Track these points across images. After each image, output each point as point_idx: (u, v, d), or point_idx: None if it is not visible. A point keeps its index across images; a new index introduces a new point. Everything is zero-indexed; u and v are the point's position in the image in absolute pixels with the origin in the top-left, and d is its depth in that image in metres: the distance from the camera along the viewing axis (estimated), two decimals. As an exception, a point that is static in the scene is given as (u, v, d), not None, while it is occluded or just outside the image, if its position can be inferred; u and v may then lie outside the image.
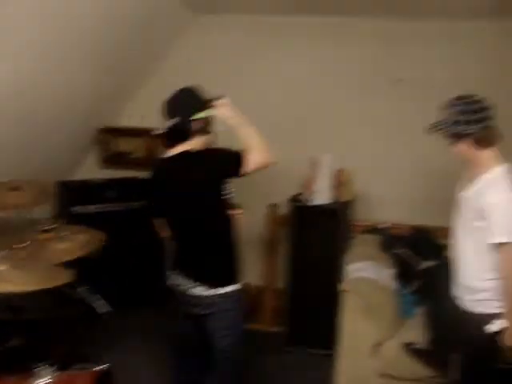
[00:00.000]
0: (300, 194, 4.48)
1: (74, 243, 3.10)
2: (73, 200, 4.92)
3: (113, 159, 5.65)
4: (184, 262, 3.12)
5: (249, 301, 5.30)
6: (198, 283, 3.00)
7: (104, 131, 5.58)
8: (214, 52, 5.36)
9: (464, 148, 2.82)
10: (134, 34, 4.60)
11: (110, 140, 5.63)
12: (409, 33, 4.92)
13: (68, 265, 2.83)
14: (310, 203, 4.31)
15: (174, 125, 3.02)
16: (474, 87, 2.93)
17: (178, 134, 3.05)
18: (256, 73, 5.27)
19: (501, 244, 2.69)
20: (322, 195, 4.28)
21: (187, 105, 3.07)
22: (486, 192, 2.75)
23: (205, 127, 3.08)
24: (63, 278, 2.50)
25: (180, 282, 3.11)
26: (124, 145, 5.69)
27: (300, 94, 5.22)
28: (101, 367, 2.68)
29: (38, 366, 2.51)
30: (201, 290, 2.99)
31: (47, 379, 2.51)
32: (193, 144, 3.03)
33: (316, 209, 4.30)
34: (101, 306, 3.10)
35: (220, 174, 2.96)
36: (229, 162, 2.97)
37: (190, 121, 3.00)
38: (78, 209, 4.88)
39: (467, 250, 2.91)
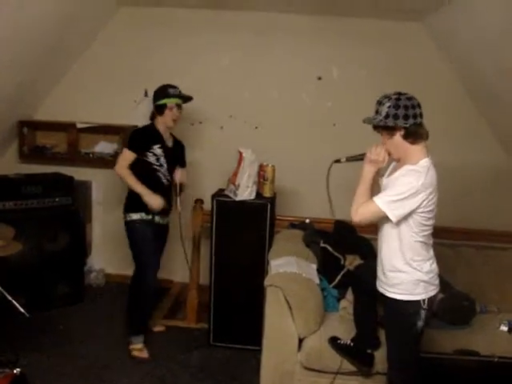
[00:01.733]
0: (224, 189, 4.46)
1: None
2: (-11, 196, 4.71)
3: (33, 154, 5.46)
4: None
5: (173, 297, 5.28)
6: None
7: (24, 124, 5.39)
8: (135, 44, 5.30)
9: (399, 141, 2.90)
10: (56, 25, 4.48)
11: (31, 134, 5.45)
12: (334, 31, 5.02)
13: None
14: (234, 198, 4.29)
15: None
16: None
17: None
18: (179, 65, 5.24)
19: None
20: (245, 190, 4.27)
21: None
22: (401, 177, 2.89)
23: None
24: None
25: None
26: (44, 139, 5.52)
27: (223, 88, 5.23)
28: (14, 371, 2.58)
29: None
30: None
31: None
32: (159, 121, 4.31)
33: (240, 204, 4.29)
34: (17, 306, 2.98)
35: None
36: None
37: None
38: (-4, 205, 4.68)
39: (386, 235, 3.03)
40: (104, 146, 5.39)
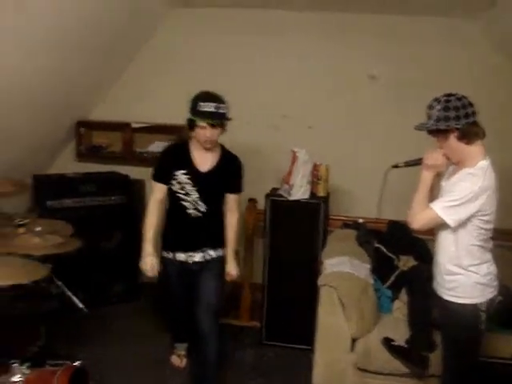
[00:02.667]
0: (278, 188, 4.47)
1: (49, 238, 3.07)
2: (48, 194, 4.84)
3: (89, 153, 5.58)
4: None
5: (226, 296, 5.30)
6: None
7: (80, 125, 5.52)
8: (189, 45, 5.34)
9: (454, 143, 2.85)
10: (110, 29, 4.55)
11: (87, 133, 5.57)
12: (395, 30, 4.96)
13: (43, 260, 2.80)
14: (287, 198, 4.30)
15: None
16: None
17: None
18: (232, 67, 5.25)
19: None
20: (299, 190, 4.28)
21: None
22: (459, 182, 2.83)
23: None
24: (39, 272, 2.46)
25: None
26: (100, 138, 5.63)
27: (279, 88, 5.22)
28: (75, 364, 2.64)
29: (13, 363, 2.48)
30: None
31: (21, 376, 2.48)
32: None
33: (294, 204, 4.30)
34: (76, 302, 3.06)
35: None
36: None
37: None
38: (53, 203, 4.80)
39: (443, 239, 2.98)
40: (158, 146, 5.45)
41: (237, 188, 3.75)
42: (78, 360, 2.69)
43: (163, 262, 3.71)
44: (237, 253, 3.80)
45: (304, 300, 4.28)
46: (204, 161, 3.59)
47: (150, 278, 5.47)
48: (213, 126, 3.41)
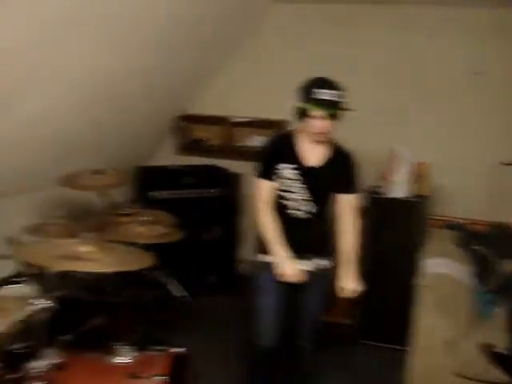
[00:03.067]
0: (378, 185, 4.42)
1: (153, 228, 3.17)
2: (150, 185, 5.01)
3: (189, 146, 5.72)
4: None
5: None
6: None
7: (181, 118, 5.66)
8: (291, 40, 5.35)
9: None
10: (213, 22, 4.62)
11: (187, 127, 5.71)
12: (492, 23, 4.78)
13: (146, 248, 2.89)
14: (387, 195, 4.24)
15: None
16: None
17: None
18: (333, 61, 5.22)
19: None
20: (400, 188, 4.21)
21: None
22: None
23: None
24: (144, 261, 2.55)
25: None
26: (200, 132, 5.76)
27: (378, 83, 5.15)
28: (178, 350, 2.72)
29: (119, 346, 2.58)
30: None
31: (126, 358, 2.58)
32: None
33: (394, 201, 4.23)
34: (178, 290, 3.14)
35: None
36: None
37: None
38: (155, 194, 4.96)
39: None
40: (257, 140, 5.52)
41: (351, 188, 3.26)
42: (180, 347, 2.76)
43: (257, 268, 3.30)
44: (354, 264, 3.28)
45: (401, 300, 4.21)
46: (313, 155, 3.13)
47: (246, 270, 5.60)
48: (329, 116, 2.96)
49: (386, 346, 4.38)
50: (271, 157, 3.14)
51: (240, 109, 5.49)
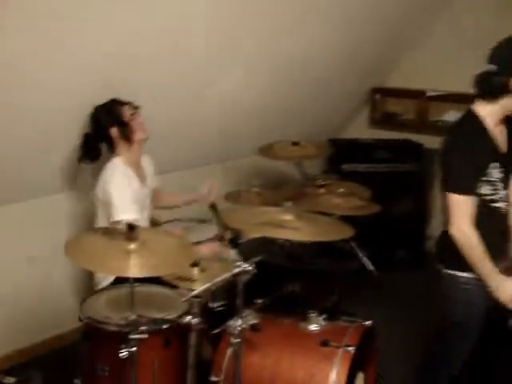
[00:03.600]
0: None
1: (349, 200, 3.20)
2: (343, 158, 5.05)
3: (383, 120, 5.65)
4: None
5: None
6: None
7: (375, 91, 5.61)
8: (494, 6, 5.02)
9: None
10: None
11: (381, 100, 5.64)
12: None
13: (342, 220, 2.92)
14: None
15: (487, 73, 2.53)
16: None
17: (485, 86, 2.55)
18: None
19: None
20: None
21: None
22: None
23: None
24: (342, 232, 2.58)
25: None
26: (394, 106, 5.66)
27: None
28: (366, 323, 2.74)
29: (311, 313, 2.66)
30: None
31: (318, 326, 2.65)
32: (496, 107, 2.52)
33: None
34: (367, 264, 3.15)
35: None
36: None
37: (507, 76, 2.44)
38: (347, 167, 4.99)
39: None
40: (453, 115, 5.31)
41: None
42: (369, 320, 2.78)
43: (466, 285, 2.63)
44: None
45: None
46: (502, 139, 2.61)
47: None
48: None
49: None
50: (476, 157, 2.50)
51: (436, 82, 5.31)
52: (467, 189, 2.47)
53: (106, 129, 3.11)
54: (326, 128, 5.46)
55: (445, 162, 2.61)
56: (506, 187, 2.57)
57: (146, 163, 3.36)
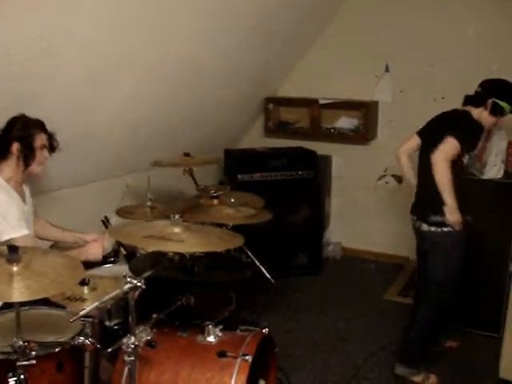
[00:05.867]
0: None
1: (241, 209, 3.21)
2: (238, 168, 5.07)
3: (277, 129, 5.73)
4: None
5: (408, 274, 5.22)
6: None
7: (269, 101, 5.68)
8: (376, 18, 5.27)
9: None
10: (295, 10, 4.64)
11: (274, 109, 5.72)
12: None
13: (234, 230, 2.93)
14: (480, 177, 4.10)
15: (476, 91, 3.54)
16: None
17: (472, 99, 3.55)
18: (420, 37, 5.08)
19: None
20: (492, 169, 4.06)
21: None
22: None
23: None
24: (233, 242, 2.59)
25: None
26: (287, 114, 5.76)
27: (469, 60, 4.97)
28: (263, 330, 2.75)
29: (207, 325, 2.64)
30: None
31: (215, 337, 2.64)
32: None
33: (486, 183, 4.08)
34: (264, 272, 3.18)
35: None
36: None
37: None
38: (243, 176, 5.02)
39: None
40: (345, 122, 5.48)
41: None
42: (265, 327, 2.79)
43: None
44: None
45: (492, 285, 4.08)
46: None
47: (332, 253, 5.59)
48: None
49: (475, 331, 4.23)
50: (476, 136, 3.52)
51: (327, 90, 5.46)
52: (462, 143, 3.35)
53: (10, 139, 2.96)
54: (221, 139, 5.48)
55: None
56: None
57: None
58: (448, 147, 3.33)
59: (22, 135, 2.96)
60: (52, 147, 3.09)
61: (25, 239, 2.83)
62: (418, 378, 3.62)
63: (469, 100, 3.57)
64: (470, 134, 3.46)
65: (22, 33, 2.76)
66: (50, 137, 3.07)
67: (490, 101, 3.42)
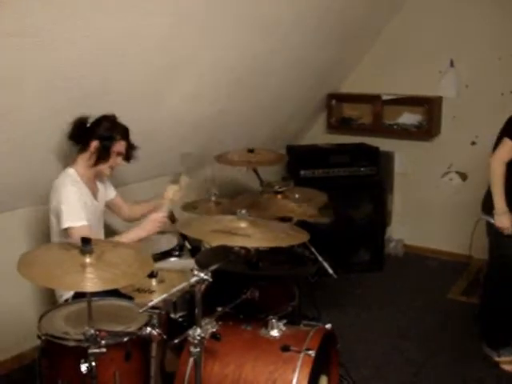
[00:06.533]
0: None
1: (305, 206, 3.23)
2: (300, 164, 5.09)
3: (339, 125, 5.72)
4: None
5: (473, 273, 5.12)
6: None
7: (332, 97, 5.68)
8: (441, 12, 5.19)
9: None
10: (360, 5, 4.64)
11: (338, 106, 5.71)
12: None
13: (299, 225, 2.95)
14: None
15: None
16: None
17: None
18: (486, 32, 4.98)
19: None
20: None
21: None
22: None
23: None
24: (298, 237, 2.61)
25: None
26: (350, 110, 5.74)
27: None
28: (326, 326, 2.77)
29: (271, 319, 2.68)
30: None
31: (279, 332, 2.67)
32: None
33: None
34: (327, 268, 3.18)
35: None
36: None
37: None
38: (305, 172, 5.04)
39: None
40: (408, 118, 5.42)
41: None
42: (328, 323, 2.81)
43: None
44: None
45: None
46: None
47: (394, 250, 5.55)
48: None
49: None
50: None
51: (390, 86, 5.42)
52: None
53: (92, 135, 3.09)
54: (284, 135, 5.51)
55: None
56: None
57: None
58: (502, 148, 3.36)
59: (104, 136, 3.08)
60: (129, 156, 3.20)
61: (80, 229, 2.93)
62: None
63: None
64: None
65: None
66: (131, 146, 3.18)
67: None
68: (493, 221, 3.47)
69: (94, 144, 3.07)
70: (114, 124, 3.12)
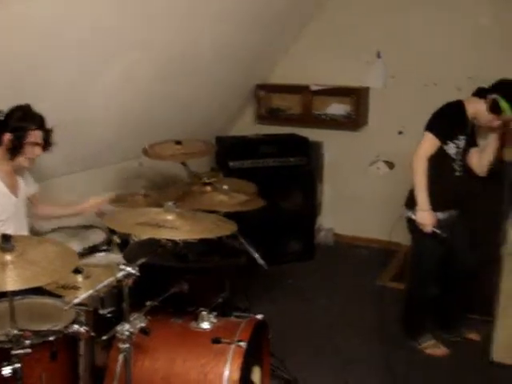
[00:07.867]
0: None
1: (234, 196, 3.21)
2: (229, 155, 5.07)
3: (269, 115, 5.72)
4: None
5: (401, 260, 5.24)
6: None
7: (260, 87, 5.67)
8: (368, 5, 5.25)
9: None
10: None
11: (266, 96, 5.71)
12: None
13: (227, 217, 2.93)
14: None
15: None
16: None
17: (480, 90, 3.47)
18: (412, 25, 5.08)
19: None
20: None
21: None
22: None
23: None
24: (226, 228, 2.59)
25: None
26: (279, 101, 5.75)
27: (462, 47, 4.96)
28: (258, 316, 2.77)
29: (201, 311, 2.65)
30: None
31: (209, 324, 2.65)
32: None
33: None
34: (257, 258, 3.18)
35: None
36: None
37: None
38: (235, 163, 5.02)
39: None
40: (336, 108, 5.47)
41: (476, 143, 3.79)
42: (259, 314, 2.81)
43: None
44: None
45: (486, 269, 4.08)
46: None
47: (324, 239, 5.60)
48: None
49: (472, 316, 4.24)
50: (452, 125, 3.50)
51: (319, 77, 5.45)
52: (439, 134, 3.42)
53: (4, 128, 2.95)
54: (212, 126, 5.47)
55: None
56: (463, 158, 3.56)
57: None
58: (424, 143, 3.44)
59: (16, 128, 2.95)
60: (47, 145, 3.08)
61: None
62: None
63: (478, 91, 3.51)
64: (446, 121, 3.48)
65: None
66: (47, 134, 3.05)
67: (491, 96, 3.37)
68: (414, 217, 3.53)
69: (7, 136, 2.95)
70: (27, 114, 2.99)
